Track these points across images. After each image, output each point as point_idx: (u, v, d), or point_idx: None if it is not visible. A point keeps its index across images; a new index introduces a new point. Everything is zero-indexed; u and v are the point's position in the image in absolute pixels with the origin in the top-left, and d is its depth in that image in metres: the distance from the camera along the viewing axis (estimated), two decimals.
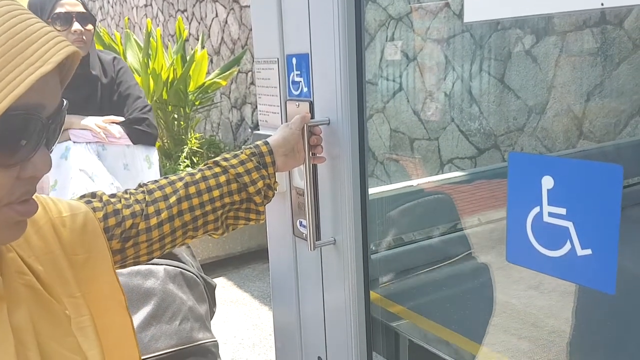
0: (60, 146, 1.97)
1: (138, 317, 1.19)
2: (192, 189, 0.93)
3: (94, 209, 0.84)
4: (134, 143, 2.03)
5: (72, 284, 0.76)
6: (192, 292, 1.33)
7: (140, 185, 0.94)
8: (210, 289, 1.47)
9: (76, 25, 1.88)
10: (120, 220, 0.86)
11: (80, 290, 0.77)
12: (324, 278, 1.31)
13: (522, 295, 1.51)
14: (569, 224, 0.78)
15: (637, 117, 2.49)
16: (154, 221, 0.89)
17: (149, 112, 2.08)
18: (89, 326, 0.75)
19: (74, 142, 1.98)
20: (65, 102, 0.63)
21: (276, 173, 1.32)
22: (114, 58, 2.10)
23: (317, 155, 1.15)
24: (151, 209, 0.89)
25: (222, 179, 0.97)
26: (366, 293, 1.23)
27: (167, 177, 0.96)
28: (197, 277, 1.39)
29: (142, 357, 1.11)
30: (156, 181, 0.95)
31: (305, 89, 1.20)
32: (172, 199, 0.91)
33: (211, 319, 1.46)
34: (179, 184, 0.94)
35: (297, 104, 1.21)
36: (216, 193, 0.96)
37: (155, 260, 1.27)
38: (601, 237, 0.75)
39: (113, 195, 0.90)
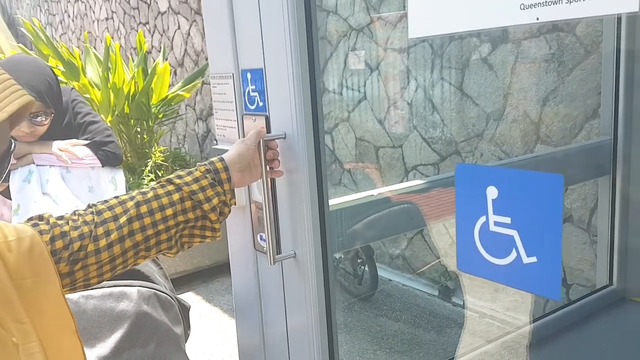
0: (23, 170, 1.92)
1: (111, 342, 1.13)
2: (143, 208, 0.92)
3: (41, 232, 0.82)
4: (103, 165, 1.99)
5: (20, 309, 0.74)
6: (166, 314, 1.29)
7: (89, 206, 0.92)
8: (185, 310, 1.43)
9: (24, 126, 1.82)
10: (67, 243, 0.84)
11: (28, 316, 0.75)
12: (285, 292, 1.30)
13: None
14: (514, 233, 0.80)
15: (591, 120, 2.58)
16: (103, 243, 0.87)
17: (112, 135, 2.06)
18: (38, 352, 0.73)
19: (37, 165, 1.93)
20: (13, 144, 0.63)
21: (234, 188, 1.32)
22: (71, 88, 2.09)
23: (274, 169, 1.15)
24: (100, 230, 0.87)
25: (176, 197, 0.96)
26: (327, 305, 1.23)
27: (117, 197, 0.94)
28: (171, 298, 1.34)
29: None
30: (106, 201, 0.93)
31: (261, 104, 1.20)
32: (123, 219, 0.90)
33: (186, 341, 1.42)
34: (130, 204, 0.92)
35: (253, 118, 1.21)
36: (169, 212, 0.94)
37: (128, 282, 1.23)
38: (545, 245, 0.77)
39: (60, 218, 0.87)
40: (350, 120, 4.01)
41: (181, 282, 4.05)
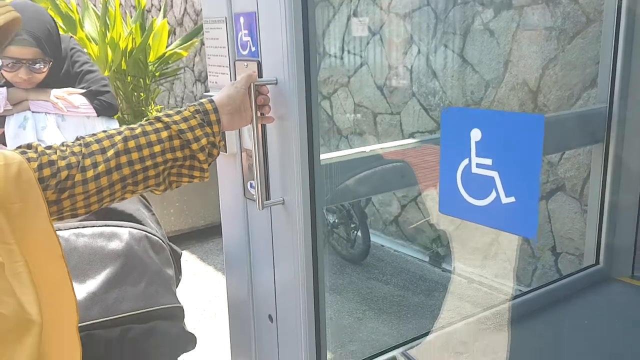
0: (18, 116, 1.93)
1: (101, 279, 1.14)
2: (131, 143, 0.93)
3: (29, 160, 0.83)
4: (98, 115, 1.99)
5: (6, 231, 0.76)
6: (157, 257, 1.29)
7: (77, 139, 0.93)
8: (176, 256, 1.44)
9: (22, 73, 1.81)
10: (55, 171, 0.85)
11: (15, 238, 0.76)
12: (273, 238, 1.32)
13: None
14: (494, 174, 0.82)
15: (589, 90, 2.57)
16: (90, 173, 0.88)
17: (108, 85, 2.05)
18: (24, 272, 0.75)
19: (33, 112, 1.94)
20: None
21: (226, 133, 1.33)
22: (70, 37, 2.07)
23: (265, 115, 1.16)
24: (88, 161, 0.89)
25: (164, 134, 0.96)
26: (314, 251, 1.25)
27: (105, 132, 0.95)
28: (162, 242, 1.35)
29: (107, 318, 1.09)
30: (94, 134, 0.94)
31: (253, 49, 1.20)
32: (110, 152, 0.91)
33: (176, 286, 1.43)
34: (118, 138, 0.93)
35: (245, 64, 1.21)
36: (157, 148, 0.95)
37: (119, 223, 1.24)
38: (523, 185, 0.79)
39: (49, 147, 0.88)
40: (350, 86, 3.98)
41: (176, 241, 4.08)
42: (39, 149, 0.86)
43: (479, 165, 0.84)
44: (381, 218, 4.02)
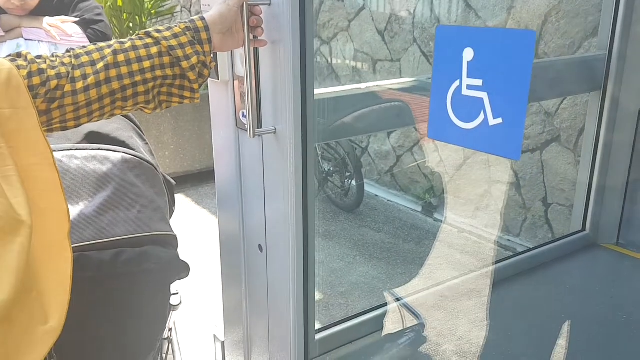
0: (11, 43, 1.89)
1: (95, 202, 1.13)
2: (120, 57, 0.92)
3: (18, 67, 0.83)
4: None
5: None
6: (151, 184, 1.27)
7: (67, 51, 0.92)
8: (170, 186, 1.42)
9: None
10: (44, 80, 0.84)
11: (5, 142, 0.77)
12: (264, 169, 1.33)
13: None
14: (483, 95, 0.82)
15: (590, 39, 2.53)
16: (80, 85, 0.87)
17: (102, 14, 2.00)
18: (13, 176, 0.76)
19: (26, 39, 1.91)
20: None
21: (218, 60, 1.31)
22: None
23: (258, 38, 1.14)
24: (77, 73, 0.88)
25: (154, 50, 0.95)
26: (304, 181, 1.26)
27: (95, 44, 0.93)
28: (156, 169, 1.33)
29: (100, 240, 1.09)
30: (84, 47, 0.92)
31: None
32: (100, 65, 0.90)
33: (170, 217, 1.42)
34: (108, 51, 0.92)
35: None
36: (147, 64, 0.94)
37: (112, 147, 1.23)
38: (511, 105, 0.79)
39: (39, 57, 0.87)
40: (350, 30, 3.91)
41: None
42: (29, 57, 0.85)
43: (469, 87, 0.84)
44: (376, 168, 4.04)
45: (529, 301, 1.82)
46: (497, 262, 1.99)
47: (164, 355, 1.58)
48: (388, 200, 3.92)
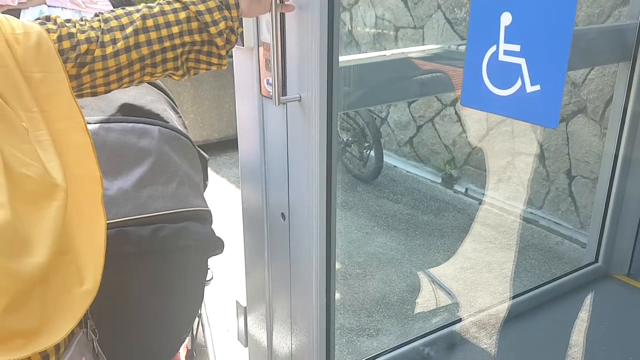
0: (34, 10, 1.89)
1: (133, 176, 1.10)
2: (149, 22, 0.91)
3: (48, 31, 0.82)
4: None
5: (29, 99, 0.76)
6: (187, 158, 1.25)
7: (96, 15, 0.91)
8: (204, 161, 1.40)
9: None
10: (74, 44, 0.84)
11: (38, 107, 0.77)
12: (288, 137, 1.32)
13: None
14: (521, 61, 0.79)
15: (620, 7, 2.43)
16: (109, 49, 0.87)
17: None
18: (47, 140, 0.76)
19: (49, 6, 1.90)
20: None
21: (244, 26, 1.29)
22: None
23: (285, 2, 1.11)
24: (107, 37, 0.87)
25: (182, 15, 0.93)
26: (329, 149, 1.25)
27: (123, 8, 0.92)
28: (192, 143, 1.31)
29: (140, 216, 1.07)
30: (112, 11, 0.91)
31: None
32: (129, 30, 0.89)
33: (204, 192, 1.39)
34: (136, 15, 0.90)
35: None
36: (175, 30, 0.93)
37: (149, 120, 1.19)
38: (550, 71, 0.76)
39: (68, 20, 0.87)
40: None
41: None
42: (58, 20, 0.85)
43: (506, 52, 0.81)
44: (395, 139, 4.00)
45: (543, 338, 1.83)
46: (513, 297, 2.00)
47: (194, 331, 1.60)
48: (407, 172, 3.90)
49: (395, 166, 3.98)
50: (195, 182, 1.23)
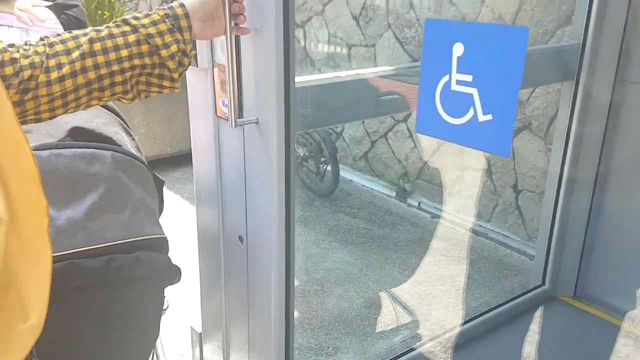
0: None
1: (84, 204, 1.05)
2: (97, 46, 0.88)
3: None
4: (65, 30, 1.87)
5: None
6: (141, 183, 1.20)
7: (41, 39, 0.87)
8: (159, 184, 1.35)
9: None
10: (17, 70, 0.80)
11: None
12: (245, 159, 1.31)
13: None
14: (473, 91, 0.81)
15: (563, 27, 2.56)
16: (54, 75, 0.83)
17: None
18: None
19: None
20: None
21: (197, 46, 1.27)
22: None
23: (240, 25, 1.10)
24: (52, 62, 0.83)
25: (132, 38, 0.91)
26: (287, 172, 1.25)
27: (70, 32, 0.89)
28: (147, 168, 1.26)
29: (91, 247, 1.02)
30: (59, 35, 0.88)
31: None
32: (75, 54, 0.86)
33: (159, 216, 1.33)
34: (83, 39, 0.87)
35: None
36: (124, 53, 0.90)
37: (101, 145, 1.14)
38: (501, 102, 0.79)
39: (11, 45, 0.83)
40: (325, 14, 3.86)
41: None
42: (1, 45, 0.81)
43: (459, 82, 0.84)
44: (351, 154, 4.04)
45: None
46: (463, 323, 2.03)
47: None
48: (362, 186, 3.94)
49: (351, 180, 4.01)
50: (151, 208, 1.19)
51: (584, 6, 1.90)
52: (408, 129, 3.54)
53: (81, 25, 1.86)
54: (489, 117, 0.81)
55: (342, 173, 3.86)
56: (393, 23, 3.42)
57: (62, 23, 1.83)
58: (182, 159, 4.22)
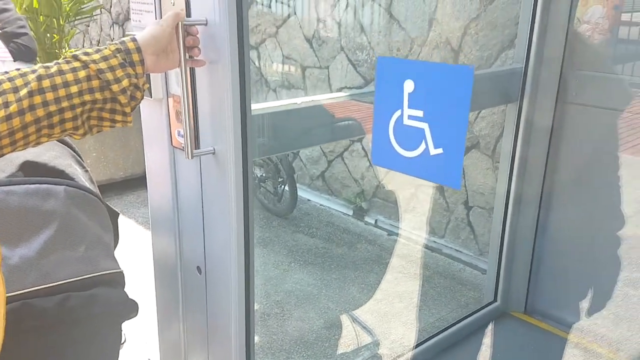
0: None
1: (38, 242, 1.02)
2: (46, 83, 0.86)
3: None
4: (15, 60, 1.81)
5: None
6: (96, 217, 1.18)
7: None
8: (114, 217, 1.31)
9: None
10: None
11: None
12: (203, 189, 1.30)
13: None
14: (424, 126, 0.85)
15: (507, 50, 2.69)
16: (1, 114, 0.81)
17: (25, 26, 1.86)
18: None
19: None
20: None
21: (151, 77, 1.26)
22: None
23: (195, 57, 1.11)
24: None
25: (82, 74, 0.90)
26: (245, 202, 1.25)
27: (18, 69, 0.87)
28: (101, 201, 1.23)
29: (45, 286, 0.99)
30: (6, 72, 0.86)
31: None
32: (23, 92, 0.84)
33: (114, 249, 1.30)
34: (32, 77, 0.86)
35: (172, 1, 1.14)
36: (74, 89, 0.89)
37: (54, 180, 1.11)
38: (451, 137, 0.82)
39: None
40: (278, 37, 3.90)
41: None
42: None
43: (410, 117, 0.87)
44: (308, 173, 4.07)
45: None
46: (417, 345, 2.05)
47: None
48: (320, 205, 3.96)
49: (309, 200, 4.03)
50: (106, 243, 1.16)
51: (525, 31, 2.01)
52: (363, 149, 3.60)
53: (31, 53, 1.82)
54: (440, 150, 0.85)
55: (300, 192, 3.87)
56: (345, 46, 3.49)
57: (11, 52, 1.78)
58: (136, 182, 4.13)
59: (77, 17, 3.84)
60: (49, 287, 0.99)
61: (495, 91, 2.12)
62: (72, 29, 4.07)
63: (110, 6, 5.34)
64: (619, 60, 2.12)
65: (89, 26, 5.59)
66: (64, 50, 3.69)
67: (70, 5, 3.62)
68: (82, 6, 3.78)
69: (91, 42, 5.75)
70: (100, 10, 5.33)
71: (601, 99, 2.00)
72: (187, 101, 1.14)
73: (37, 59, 3.68)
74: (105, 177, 4.00)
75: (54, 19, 3.54)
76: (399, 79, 0.86)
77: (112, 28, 5.39)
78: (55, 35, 3.64)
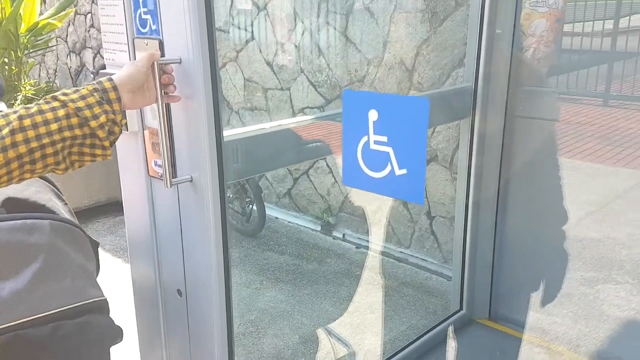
0: None
1: (26, 275, 1.05)
2: (26, 122, 0.91)
3: None
4: None
5: None
6: (80, 248, 1.20)
7: None
8: (95, 246, 1.35)
9: None
10: None
11: None
12: (181, 216, 1.36)
13: None
14: (389, 149, 0.95)
15: (457, 69, 2.86)
16: None
17: None
18: None
19: None
20: None
21: (125, 109, 1.32)
22: None
23: (170, 94, 1.18)
24: None
25: (61, 112, 0.95)
26: (223, 224, 1.31)
27: (0, 111, 0.92)
28: (83, 233, 1.26)
29: (36, 316, 1.02)
30: None
31: (154, 27, 1.21)
32: (5, 131, 0.89)
33: (97, 277, 1.33)
34: (13, 117, 0.91)
35: (145, 42, 1.21)
36: (54, 127, 0.94)
37: (38, 215, 1.15)
38: (413, 159, 0.93)
39: None
40: (239, 60, 3.98)
41: None
42: None
43: (376, 142, 0.97)
44: (275, 192, 4.13)
45: None
46: (391, 356, 2.09)
47: None
48: (288, 222, 4.03)
49: (277, 217, 4.09)
50: (90, 271, 1.21)
51: (473, 51, 2.15)
52: (328, 166, 3.71)
53: (1, 89, 1.82)
54: (404, 171, 0.95)
55: (267, 211, 3.93)
56: (305, 68, 3.60)
57: None
58: (102, 209, 4.09)
59: (34, 49, 3.83)
60: (39, 317, 1.02)
61: (449, 108, 2.25)
62: (29, 60, 4.04)
63: (67, 35, 5.30)
64: (563, 71, 2.29)
65: (45, 56, 5.52)
66: (22, 82, 3.66)
67: (27, 37, 3.60)
68: (39, 37, 3.77)
69: (47, 71, 5.67)
70: (57, 40, 5.28)
71: (545, 112, 2.16)
72: (164, 134, 1.20)
73: None
74: (71, 205, 3.95)
75: (12, 52, 3.52)
76: (364, 109, 0.96)
77: (68, 57, 5.35)
78: (13, 68, 3.61)
